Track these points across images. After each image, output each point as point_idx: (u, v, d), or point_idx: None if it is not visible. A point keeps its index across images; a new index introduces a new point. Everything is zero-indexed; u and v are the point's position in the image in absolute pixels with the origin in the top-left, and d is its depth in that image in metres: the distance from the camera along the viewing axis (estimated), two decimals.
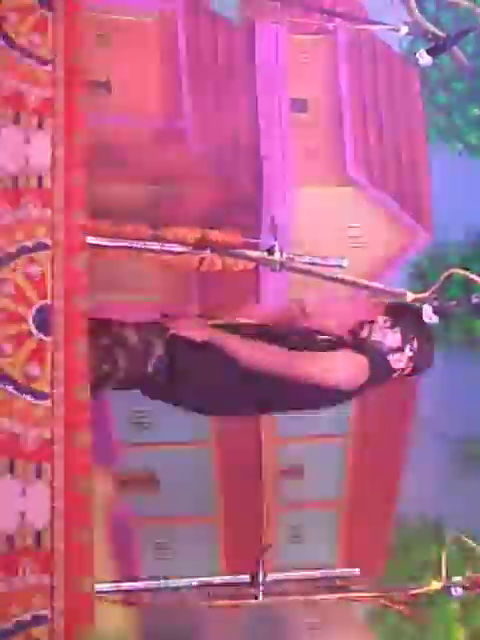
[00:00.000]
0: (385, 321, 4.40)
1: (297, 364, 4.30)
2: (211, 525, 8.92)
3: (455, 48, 4.65)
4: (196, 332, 4.37)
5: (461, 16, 12.22)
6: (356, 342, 4.39)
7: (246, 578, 4.43)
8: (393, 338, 4.39)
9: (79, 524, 3.62)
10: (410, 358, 4.38)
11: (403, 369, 4.40)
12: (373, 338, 4.39)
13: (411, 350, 4.39)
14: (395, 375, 4.41)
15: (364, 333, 4.40)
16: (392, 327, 4.40)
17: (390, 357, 4.38)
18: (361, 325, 4.45)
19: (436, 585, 4.60)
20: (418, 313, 4.51)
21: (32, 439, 3.62)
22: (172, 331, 4.37)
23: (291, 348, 4.36)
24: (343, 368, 4.33)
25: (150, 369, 4.38)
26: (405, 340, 4.38)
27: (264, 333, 4.49)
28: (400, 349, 4.38)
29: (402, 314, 4.45)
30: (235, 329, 4.44)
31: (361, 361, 4.31)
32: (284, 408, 4.78)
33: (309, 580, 4.59)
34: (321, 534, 9.19)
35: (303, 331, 4.53)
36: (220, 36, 8.98)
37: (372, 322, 4.41)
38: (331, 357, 4.34)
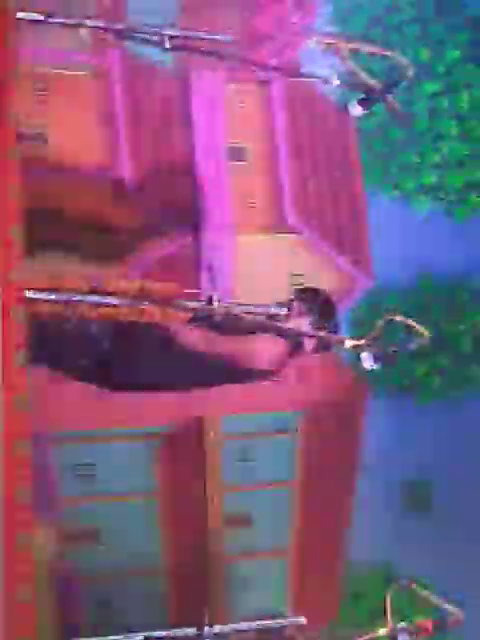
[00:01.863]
0: (300, 307, 4.90)
1: (226, 347, 4.78)
2: (157, 577, 8.83)
3: (389, 97, 4.71)
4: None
5: (394, 64, 12.43)
6: (274, 326, 4.85)
7: (192, 631, 4.40)
8: (306, 325, 4.88)
9: (20, 581, 3.57)
10: (318, 339, 4.89)
11: (312, 349, 4.93)
12: (289, 325, 4.85)
13: (319, 334, 4.85)
14: (302, 354, 4.95)
15: (282, 318, 4.88)
16: (305, 315, 4.89)
17: (303, 340, 4.88)
18: (277, 308, 4.86)
19: (382, 632, 4.59)
20: (328, 301, 5.04)
21: None
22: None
23: (220, 330, 4.79)
24: (266, 351, 4.86)
25: (87, 355, 4.65)
26: (316, 326, 4.87)
27: (197, 316, 4.75)
28: (312, 335, 4.87)
29: (314, 301, 4.95)
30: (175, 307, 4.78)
31: (281, 345, 4.85)
32: (214, 384, 5.15)
33: (257, 630, 4.56)
34: (270, 583, 9.15)
35: (231, 315, 4.87)
36: (156, 85, 9.03)
37: (290, 306, 4.90)
38: (256, 341, 4.84)
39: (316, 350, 4.96)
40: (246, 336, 4.87)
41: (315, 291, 5.20)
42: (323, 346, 4.94)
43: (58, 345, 4.63)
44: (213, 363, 4.80)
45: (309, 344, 4.92)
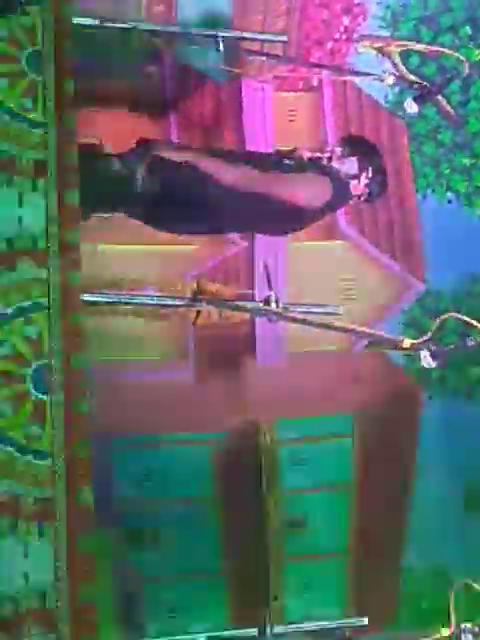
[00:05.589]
0: (342, 151, 5.00)
1: (267, 182, 4.78)
2: (217, 579, 8.85)
3: (440, 98, 4.76)
4: (176, 153, 4.83)
5: (445, 67, 12.43)
6: (318, 167, 4.97)
7: (254, 631, 4.41)
8: (350, 165, 4.99)
9: (83, 584, 3.61)
10: (366, 185, 5.00)
11: (360, 195, 5.04)
12: (332, 165, 4.96)
13: (366, 177, 5.00)
14: (353, 201, 5.09)
15: (324, 160, 5.00)
16: (349, 156, 4.99)
17: (349, 183, 4.97)
18: (321, 154, 5.06)
19: (445, 632, 4.57)
20: (371, 145, 5.20)
21: (33, 499, 3.62)
22: (154, 154, 4.81)
23: (262, 170, 4.85)
24: (308, 187, 4.88)
25: (138, 189, 4.78)
26: (361, 168, 4.98)
27: (238, 156, 5.02)
28: (357, 176, 4.97)
29: (357, 145, 5.08)
30: (213, 153, 4.88)
31: (324, 181, 4.90)
32: (258, 225, 5.26)
33: (318, 631, 4.56)
34: (328, 585, 9.13)
35: (273, 155, 5.15)
36: (207, 97, 9.07)
37: (331, 151, 5.03)
38: (297, 177, 4.87)
39: (365, 195, 5.05)
40: (288, 175, 4.88)
41: (358, 137, 5.52)
42: (371, 192, 5.04)
43: (105, 186, 4.73)
44: (257, 202, 4.77)
45: (356, 187, 4.96)
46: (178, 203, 4.81)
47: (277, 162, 5.03)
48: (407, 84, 4.62)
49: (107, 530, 7.86)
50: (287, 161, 5.02)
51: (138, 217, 5.02)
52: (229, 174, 4.75)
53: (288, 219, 4.99)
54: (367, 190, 5.06)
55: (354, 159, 4.98)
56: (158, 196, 4.80)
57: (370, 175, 5.02)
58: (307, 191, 4.85)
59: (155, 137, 5.20)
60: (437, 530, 9.92)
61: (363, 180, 5.01)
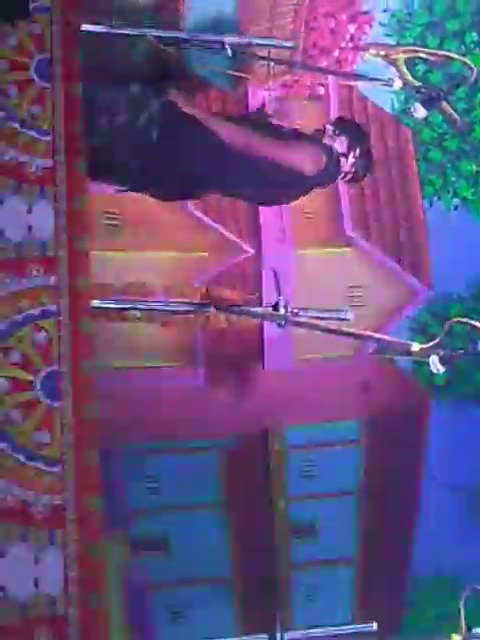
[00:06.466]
0: (334, 130, 5.24)
1: (266, 145, 4.99)
2: (227, 587, 8.87)
3: (446, 105, 4.78)
4: (187, 107, 5.01)
5: (451, 75, 12.44)
6: (311, 140, 5.19)
7: (264, 637, 4.40)
8: (340, 144, 5.21)
9: (93, 590, 3.61)
10: (352, 165, 5.23)
11: (346, 173, 5.26)
12: (324, 141, 5.18)
13: (354, 157, 5.23)
14: (340, 178, 5.28)
15: (316, 136, 5.21)
16: (339, 135, 5.22)
17: (340, 158, 5.18)
18: (314, 131, 5.27)
19: (456, 638, 4.56)
20: (361, 128, 5.43)
21: (43, 506, 3.62)
22: (169, 96, 5.00)
23: (262, 135, 5.03)
24: (304, 152, 5.12)
25: (142, 120, 4.86)
26: (350, 147, 5.21)
27: (242, 121, 5.23)
28: (345, 154, 5.20)
29: (348, 126, 5.34)
30: (218, 114, 5.23)
31: (318, 151, 5.13)
32: (255, 192, 5.42)
33: (327, 637, 4.56)
34: (337, 592, 9.13)
35: (271, 124, 5.31)
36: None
37: (323, 129, 5.25)
38: (294, 143, 5.10)
39: (351, 174, 5.28)
40: (286, 142, 5.09)
41: (349, 120, 5.86)
42: (356, 172, 5.27)
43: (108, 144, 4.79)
44: (252, 163, 4.96)
45: (344, 165, 5.18)
46: (175, 161, 4.93)
47: (275, 129, 5.23)
48: (413, 90, 4.64)
49: (117, 536, 7.88)
50: (284, 129, 5.25)
51: (130, 186, 5.11)
52: (230, 131, 4.96)
53: (281, 185, 5.19)
54: (353, 169, 5.27)
55: (344, 138, 5.20)
56: (163, 143, 4.93)
57: (357, 155, 5.22)
58: (303, 156, 5.07)
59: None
60: (445, 536, 9.92)
61: (351, 159, 5.22)
